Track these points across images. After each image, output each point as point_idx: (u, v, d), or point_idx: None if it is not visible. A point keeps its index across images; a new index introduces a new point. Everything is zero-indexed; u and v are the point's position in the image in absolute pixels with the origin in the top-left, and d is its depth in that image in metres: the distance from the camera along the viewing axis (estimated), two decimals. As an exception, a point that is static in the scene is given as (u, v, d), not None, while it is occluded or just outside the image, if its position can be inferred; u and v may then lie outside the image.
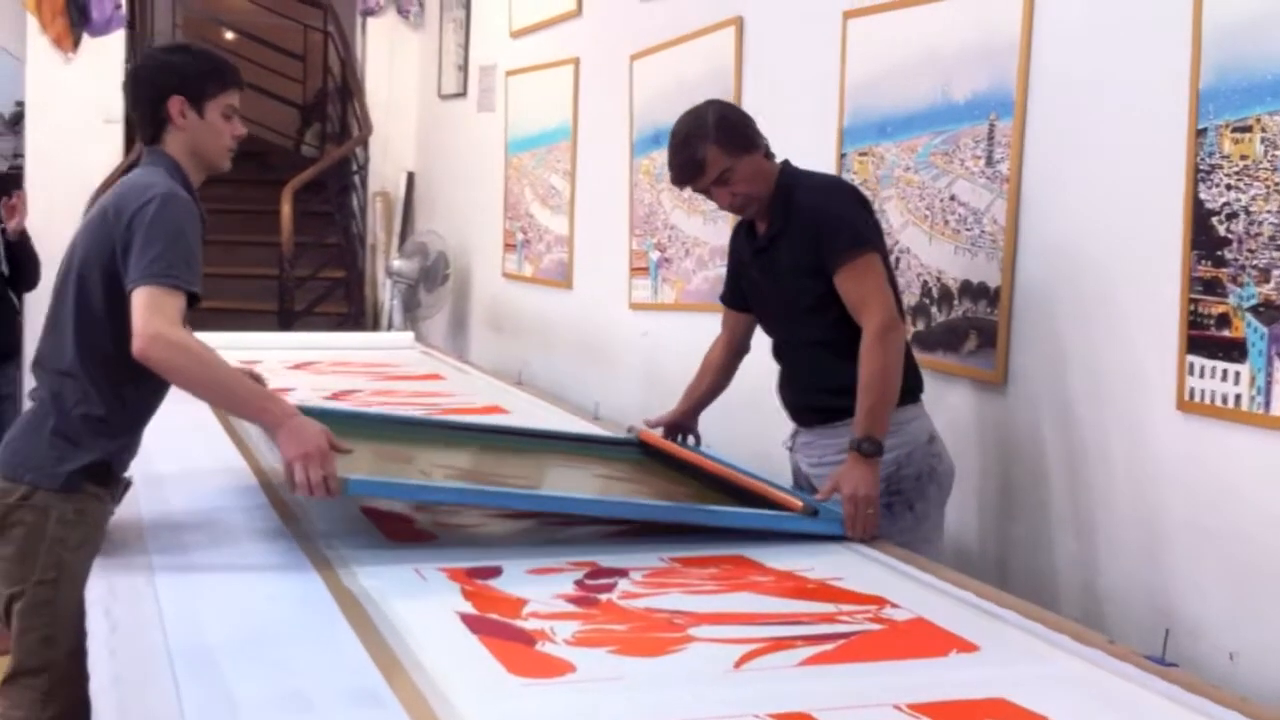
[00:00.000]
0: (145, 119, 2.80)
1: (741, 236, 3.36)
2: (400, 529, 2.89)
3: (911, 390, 3.15)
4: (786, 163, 3.23)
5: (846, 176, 3.93)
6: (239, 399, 2.69)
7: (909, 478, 3.11)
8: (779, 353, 3.35)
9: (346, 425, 3.44)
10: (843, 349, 3.04)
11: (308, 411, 3.27)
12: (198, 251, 2.67)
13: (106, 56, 8.15)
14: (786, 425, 3.37)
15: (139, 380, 2.67)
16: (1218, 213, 2.75)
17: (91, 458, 2.71)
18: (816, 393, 3.21)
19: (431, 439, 3.56)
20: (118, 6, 8.11)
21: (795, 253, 3.12)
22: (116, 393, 2.71)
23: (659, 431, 3.57)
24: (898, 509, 3.08)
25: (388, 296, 8.03)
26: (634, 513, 2.84)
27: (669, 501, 3.11)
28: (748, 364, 3.53)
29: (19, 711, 2.69)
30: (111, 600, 2.33)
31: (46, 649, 2.67)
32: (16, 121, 8.55)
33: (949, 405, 3.54)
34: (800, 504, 2.96)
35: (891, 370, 2.99)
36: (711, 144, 3.10)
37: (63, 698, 2.65)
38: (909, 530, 3.05)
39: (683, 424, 3.56)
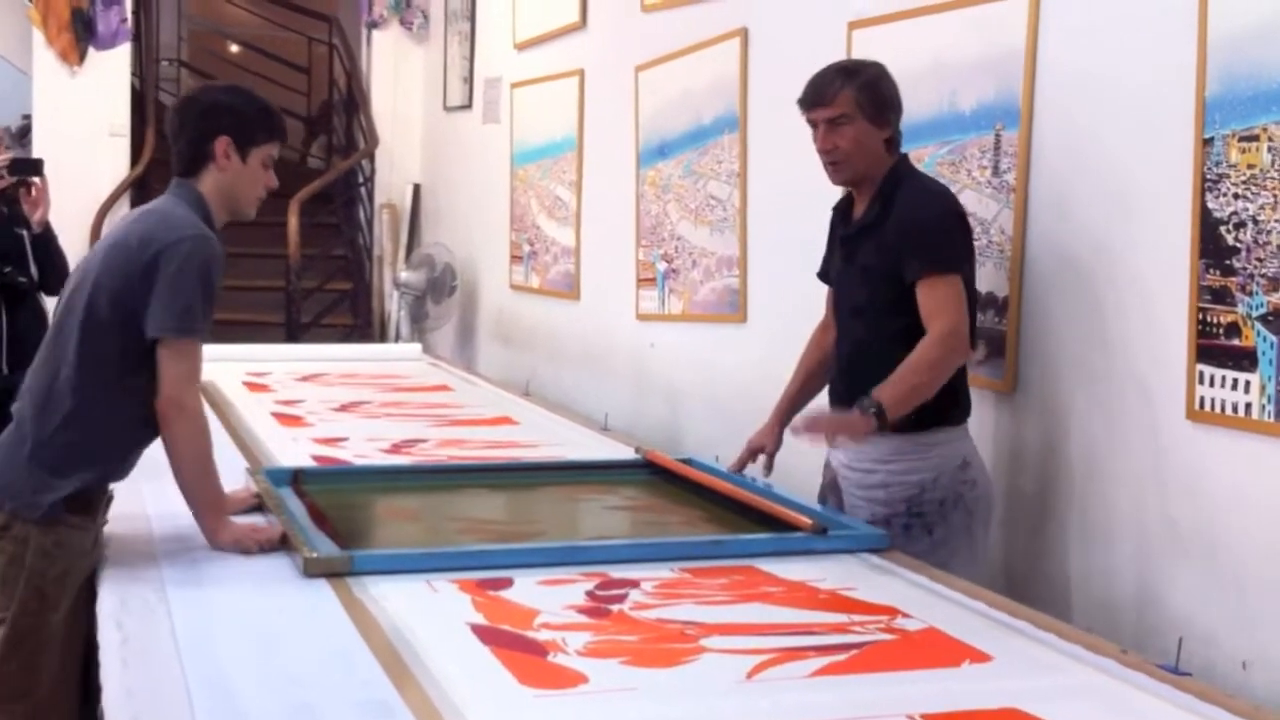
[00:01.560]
0: (186, 152, 2.78)
1: (839, 215, 3.32)
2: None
3: (952, 414, 3.10)
4: (904, 158, 3.21)
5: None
6: (198, 491, 2.77)
7: (932, 502, 3.05)
8: (840, 345, 3.29)
9: (347, 483, 3.46)
10: (899, 361, 2.97)
11: (310, 474, 3.37)
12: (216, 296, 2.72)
13: (112, 70, 8.20)
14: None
15: (132, 409, 2.69)
16: (1225, 222, 2.75)
17: (72, 488, 2.66)
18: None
19: (436, 485, 3.56)
20: (123, 20, 8.15)
21: (881, 252, 3.08)
22: (107, 421, 2.68)
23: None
24: (915, 532, 3.03)
25: (395, 308, 8.04)
26: (642, 554, 2.81)
27: (680, 530, 3.16)
28: (752, 373, 3.52)
29: None
30: (123, 613, 2.34)
31: (28, 677, 2.64)
32: (24, 135, 8.56)
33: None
34: (809, 522, 2.95)
35: (939, 366, 2.96)
36: (852, 89, 3.09)
37: None
38: (924, 554, 2.96)
39: (765, 443, 3.44)
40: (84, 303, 2.68)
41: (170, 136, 2.83)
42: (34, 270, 4.76)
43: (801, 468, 3.44)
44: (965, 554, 3.07)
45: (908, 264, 3.02)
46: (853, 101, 3.08)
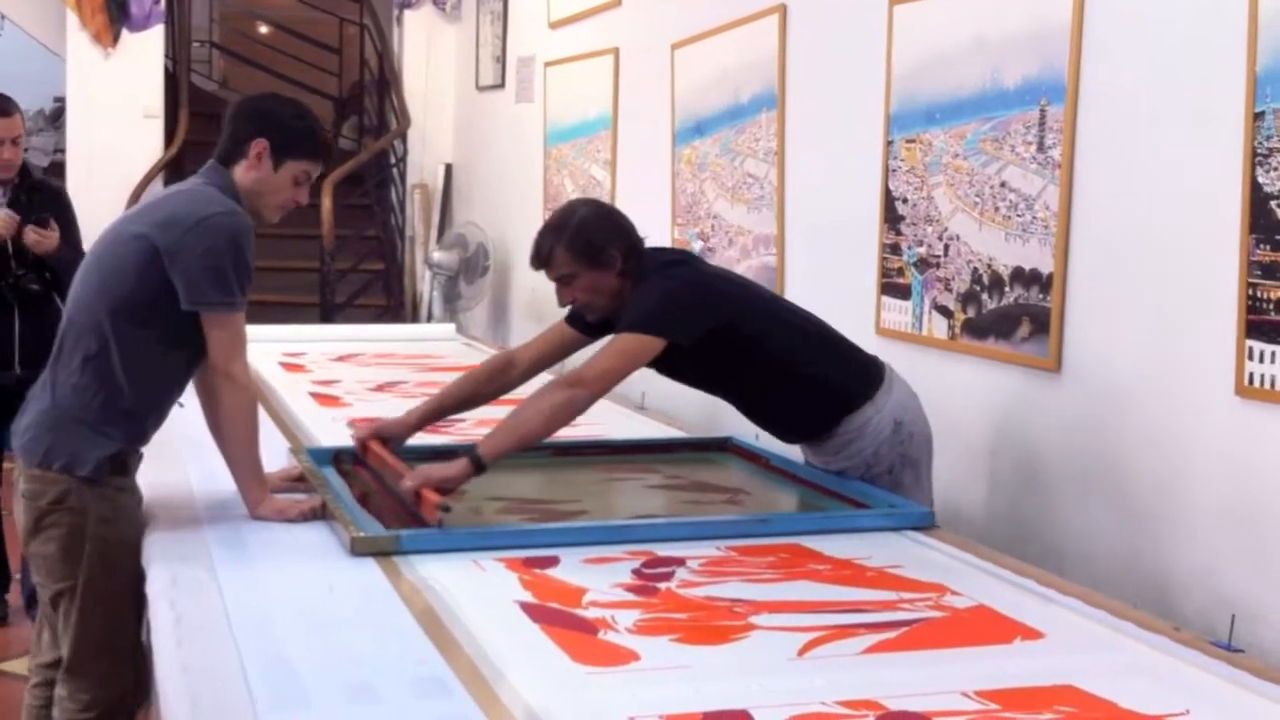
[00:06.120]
0: (228, 143, 2.87)
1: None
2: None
3: (861, 390, 3.14)
4: (639, 265, 3.13)
5: (893, 164, 3.92)
6: (243, 460, 2.85)
7: (881, 474, 3.15)
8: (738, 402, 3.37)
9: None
10: (759, 396, 3.18)
11: (351, 454, 3.37)
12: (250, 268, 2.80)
13: (145, 52, 8.23)
14: None
15: (163, 375, 2.80)
16: (1276, 197, 2.72)
17: (115, 448, 2.75)
18: (783, 431, 3.32)
19: None
20: (156, 2, 8.16)
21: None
22: (141, 386, 2.76)
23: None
24: None
25: (427, 288, 8.05)
26: (687, 532, 2.81)
27: (724, 508, 3.17)
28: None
29: (85, 695, 2.75)
30: (175, 592, 2.34)
31: (109, 634, 2.74)
32: (57, 117, 8.61)
33: (1000, 393, 3.53)
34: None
35: (540, 420, 2.95)
36: (561, 247, 3.09)
37: (122, 676, 2.77)
38: None
39: (393, 433, 3.31)
40: (112, 277, 2.76)
41: (224, 127, 2.91)
42: (48, 275, 4.57)
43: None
44: (918, 496, 3.16)
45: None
46: (568, 260, 3.10)
